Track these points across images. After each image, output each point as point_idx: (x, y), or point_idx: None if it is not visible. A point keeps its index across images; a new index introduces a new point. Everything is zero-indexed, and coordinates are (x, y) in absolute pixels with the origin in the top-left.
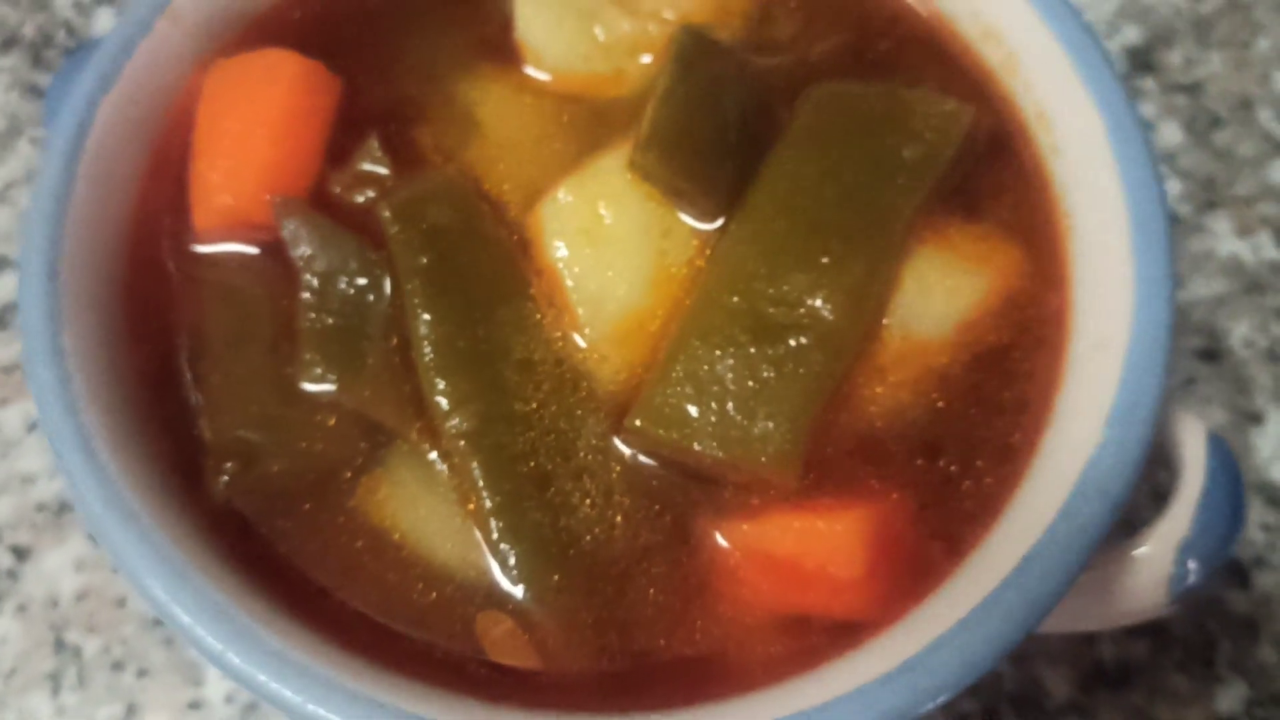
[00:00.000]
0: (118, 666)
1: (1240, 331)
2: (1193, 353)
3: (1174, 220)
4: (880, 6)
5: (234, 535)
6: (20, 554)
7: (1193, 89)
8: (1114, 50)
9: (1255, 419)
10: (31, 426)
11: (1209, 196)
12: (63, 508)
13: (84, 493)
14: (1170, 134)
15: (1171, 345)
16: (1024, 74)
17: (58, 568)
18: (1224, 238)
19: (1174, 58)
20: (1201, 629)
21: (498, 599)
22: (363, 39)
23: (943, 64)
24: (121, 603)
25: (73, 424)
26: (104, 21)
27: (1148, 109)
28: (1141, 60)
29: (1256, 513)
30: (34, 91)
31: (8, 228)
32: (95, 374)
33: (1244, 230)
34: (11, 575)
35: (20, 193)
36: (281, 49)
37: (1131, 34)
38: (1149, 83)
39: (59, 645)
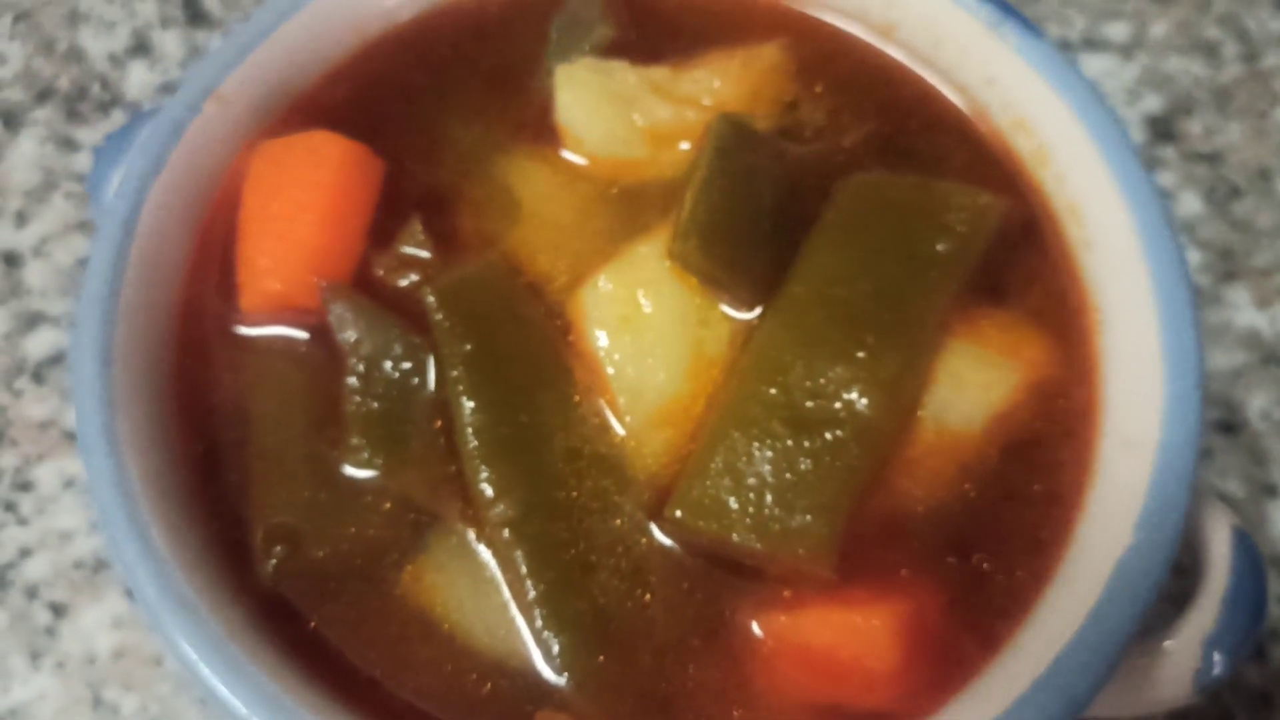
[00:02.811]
0: None
1: (1258, 404)
2: (1210, 425)
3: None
4: (909, 95)
5: (284, 622)
6: (58, 611)
7: (1212, 158)
8: (1134, 119)
9: (1271, 492)
10: (69, 483)
11: (1228, 267)
12: (99, 564)
13: (140, 582)
14: (1190, 204)
15: (1199, 450)
16: (1055, 166)
17: (95, 625)
18: (1242, 309)
19: (1194, 126)
20: (1217, 701)
21: (541, 689)
22: (404, 119)
23: (974, 152)
24: (158, 661)
25: (128, 512)
26: (138, 74)
27: (1167, 178)
28: (1161, 129)
29: (1272, 585)
30: (68, 144)
31: (44, 283)
32: (147, 460)
33: (1262, 302)
34: (49, 632)
35: (55, 246)
36: (326, 131)
37: (1152, 102)
38: (1169, 151)
39: (97, 703)
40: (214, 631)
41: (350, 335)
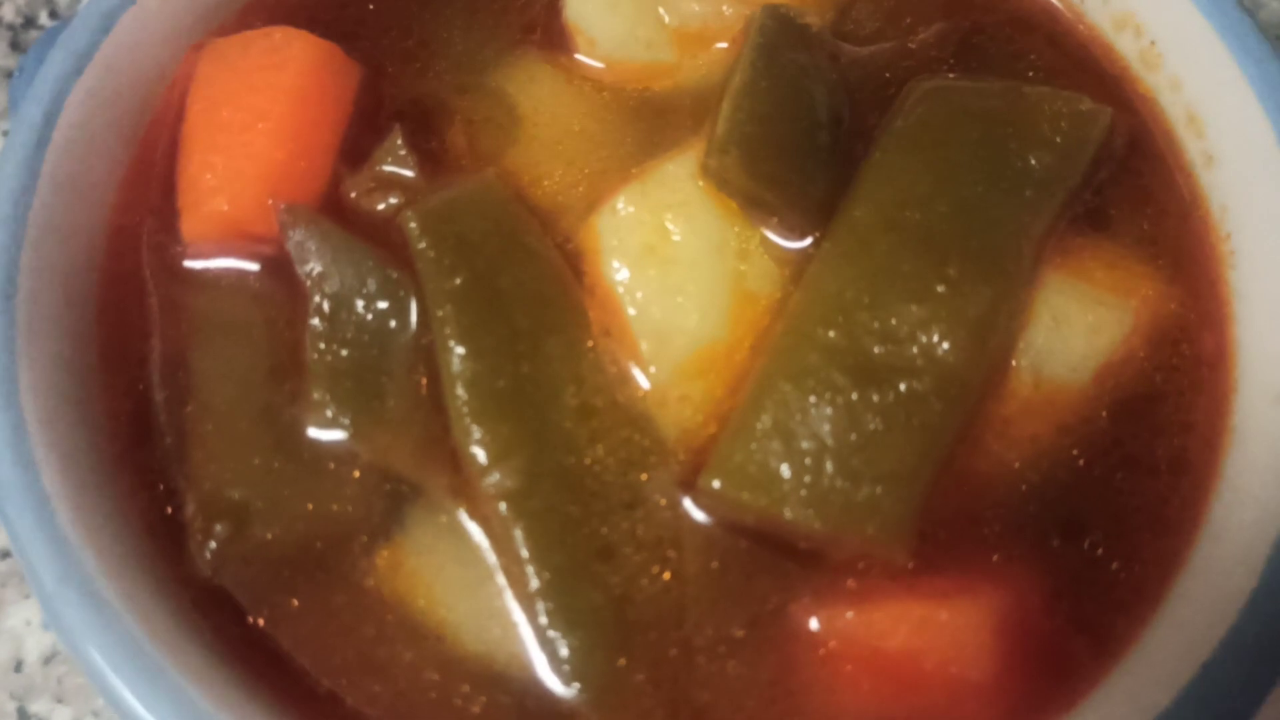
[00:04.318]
0: None
1: None
2: None
3: None
4: None
5: (223, 619)
6: None
7: None
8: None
9: None
10: None
11: None
12: None
13: (35, 565)
14: None
15: None
16: (1169, 69)
17: (23, 626)
18: None
19: None
20: None
21: (547, 703)
22: (386, 19)
23: (1066, 54)
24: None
25: (24, 479)
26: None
27: None
28: None
29: None
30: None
31: None
32: (56, 416)
33: None
34: None
35: None
36: (290, 28)
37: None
38: None
39: (22, 716)
40: (129, 631)
41: (313, 268)
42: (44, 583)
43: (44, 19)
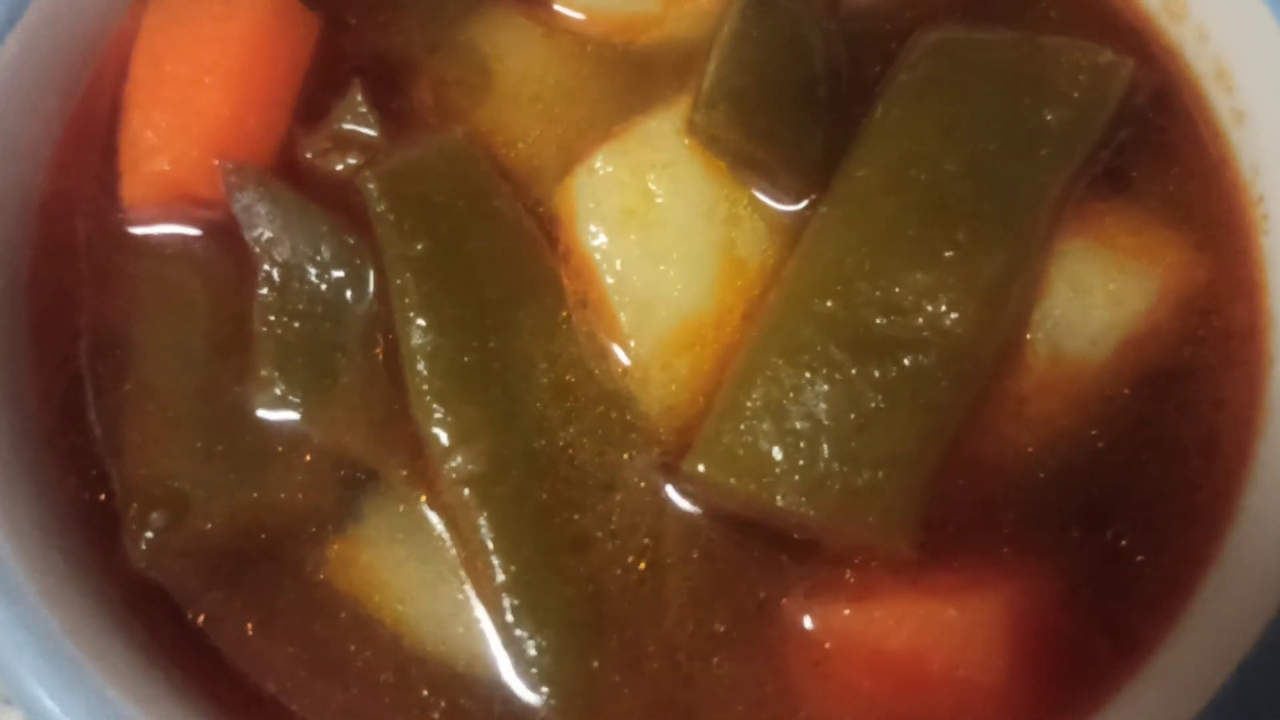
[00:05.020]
0: None
1: None
2: None
3: None
4: None
5: (156, 618)
6: None
7: None
8: None
9: None
10: None
11: None
12: None
13: None
14: None
15: None
16: (1195, 19)
17: None
18: None
19: None
20: None
21: (514, 709)
22: None
23: (1084, 6)
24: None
25: None
26: None
27: None
28: None
29: None
30: None
31: None
32: None
33: None
34: None
35: None
36: None
37: None
38: None
39: None
40: (49, 630)
41: (262, 233)
42: None
43: None
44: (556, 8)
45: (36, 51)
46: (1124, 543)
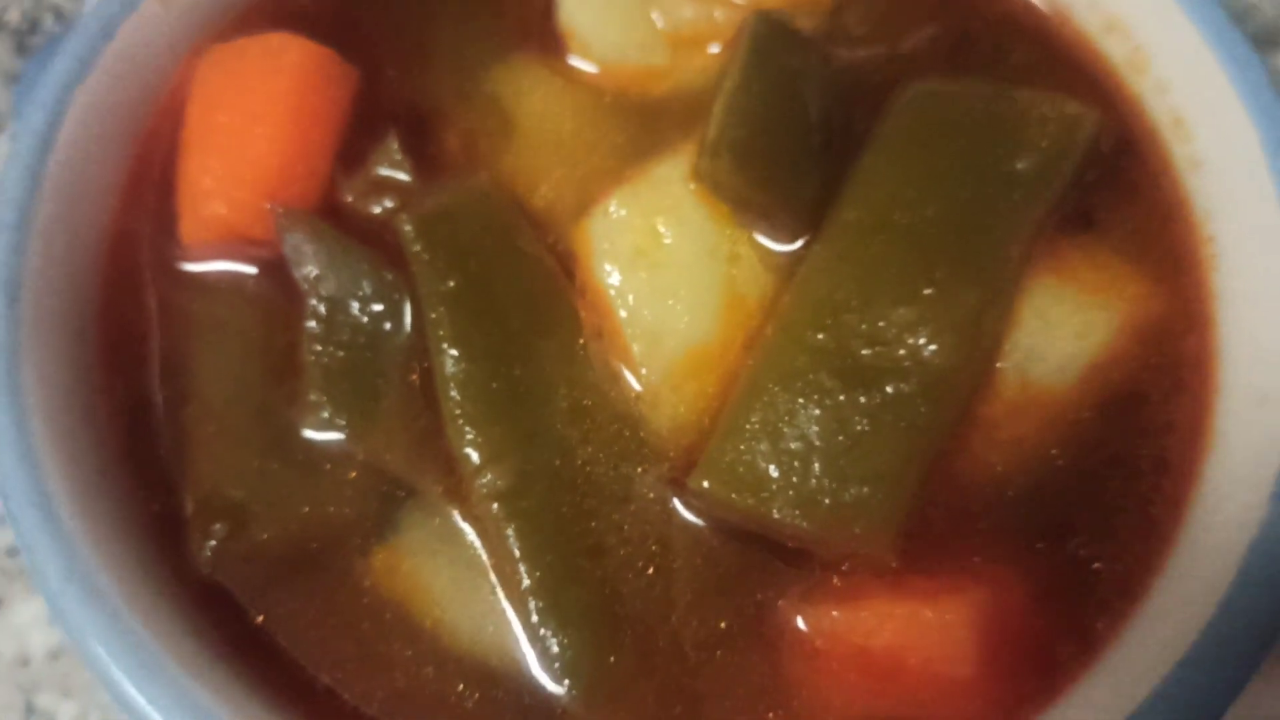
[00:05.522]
0: None
1: None
2: None
3: None
4: None
5: (222, 617)
6: None
7: None
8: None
9: None
10: None
11: None
12: None
13: (40, 562)
14: None
15: None
16: (1156, 72)
17: (29, 622)
18: None
19: None
20: None
21: (539, 699)
22: (382, 24)
23: (1054, 59)
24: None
25: (28, 478)
26: (94, 5)
27: None
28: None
29: None
30: (17, 81)
31: None
32: (58, 417)
33: None
34: None
35: None
36: (287, 33)
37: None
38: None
39: (29, 710)
40: (131, 627)
41: (310, 271)
42: (48, 580)
43: (49, 23)
44: (572, 60)
45: (103, 104)
46: (1083, 552)
